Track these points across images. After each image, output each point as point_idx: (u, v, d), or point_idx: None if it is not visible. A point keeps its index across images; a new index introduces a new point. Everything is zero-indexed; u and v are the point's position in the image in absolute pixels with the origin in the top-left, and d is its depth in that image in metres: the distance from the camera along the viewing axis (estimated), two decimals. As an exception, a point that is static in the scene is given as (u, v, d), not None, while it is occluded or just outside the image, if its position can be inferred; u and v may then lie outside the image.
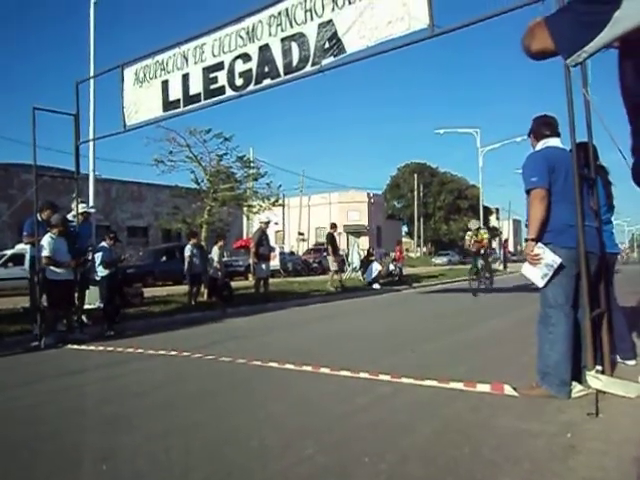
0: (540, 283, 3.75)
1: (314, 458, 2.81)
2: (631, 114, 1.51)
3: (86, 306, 8.59)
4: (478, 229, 14.40)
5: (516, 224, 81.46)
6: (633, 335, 5.09)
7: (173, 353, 6.01)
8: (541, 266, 3.72)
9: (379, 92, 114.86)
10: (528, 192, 3.82)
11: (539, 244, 3.74)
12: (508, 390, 3.87)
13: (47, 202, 8.13)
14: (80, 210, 8.62)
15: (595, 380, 3.69)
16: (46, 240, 7.32)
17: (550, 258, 3.70)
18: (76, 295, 7.83)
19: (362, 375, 4.55)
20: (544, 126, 4.02)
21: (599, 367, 3.83)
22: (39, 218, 8.00)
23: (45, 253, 7.24)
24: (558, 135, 4.02)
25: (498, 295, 13.41)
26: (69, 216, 8.47)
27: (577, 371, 3.78)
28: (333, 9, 5.42)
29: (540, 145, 3.98)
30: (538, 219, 3.73)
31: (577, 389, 3.68)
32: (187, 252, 11.50)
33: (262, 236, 12.55)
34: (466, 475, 2.55)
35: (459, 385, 4.09)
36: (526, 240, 3.88)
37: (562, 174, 3.79)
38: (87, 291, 8.57)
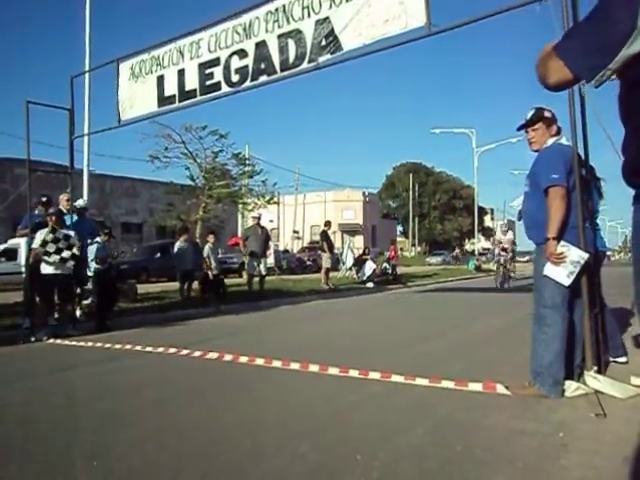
0: (566, 282, 3.65)
1: (307, 457, 2.80)
2: (624, 116, 1.51)
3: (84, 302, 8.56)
4: None
5: (511, 224, 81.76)
6: (622, 334, 5.11)
7: (165, 350, 5.98)
8: (566, 264, 3.63)
9: (375, 90, 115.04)
10: (546, 189, 3.69)
11: (562, 242, 3.64)
12: (501, 389, 3.87)
13: (41, 196, 8.25)
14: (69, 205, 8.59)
15: (594, 380, 3.69)
16: (39, 232, 7.28)
17: (576, 254, 3.62)
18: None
19: (354, 374, 4.53)
20: (555, 121, 3.92)
21: (595, 367, 3.84)
22: (36, 212, 8.14)
23: (33, 245, 7.22)
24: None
25: (491, 294, 13.45)
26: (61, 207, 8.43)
27: (569, 371, 3.79)
28: (330, 6, 5.40)
29: (553, 140, 3.87)
30: (560, 218, 3.62)
31: (572, 388, 3.68)
32: (176, 249, 11.49)
33: (247, 232, 12.66)
34: (458, 474, 2.55)
35: (451, 384, 4.08)
36: (546, 240, 3.68)
37: (572, 175, 3.73)
38: (85, 287, 8.55)
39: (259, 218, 13.29)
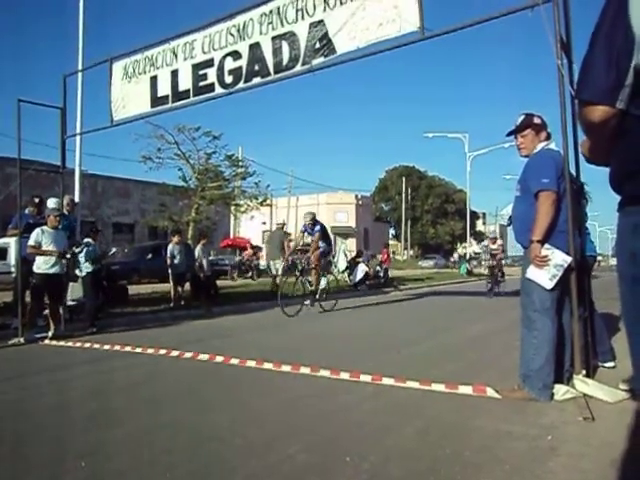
0: (548, 285, 3.67)
1: (297, 456, 2.80)
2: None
3: (69, 302, 8.47)
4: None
5: (502, 229, 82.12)
6: (610, 339, 5.15)
7: (155, 351, 5.95)
8: (549, 267, 3.66)
9: (369, 94, 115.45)
10: (537, 193, 3.69)
11: (546, 245, 3.66)
12: (490, 392, 3.89)
13: (33, 197, 8.19)
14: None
15: (583, 384, 3.72)
16: (35, 231, 7.24)
17: (560, 258, 3.64)
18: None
19: (344, 376, 4.54)
20: (545, 127, 3.93)
21: (584, 371, 3.86)
22: (26, 211, 8.07)
23: (29, 242, 7.18)
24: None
25: (482, 298, 13.50)
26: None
27: (558, 374, 3.81)
28: (324, 9, 5.42)
29: (542, 145, 3.89)
30: (547, 221, 3.64)
31: (561, 392, 3.70)
32: (169, 252, 11.46)
33: (282, 237, 13.24)
34: (447, 475, 2.56)
35: (441, 387, 4.10)
36: (530, 242, 3.69)
37: (563, 180, 3.76)
38: (69, 286, 8.46)
39: (284, 224, 13.89)
